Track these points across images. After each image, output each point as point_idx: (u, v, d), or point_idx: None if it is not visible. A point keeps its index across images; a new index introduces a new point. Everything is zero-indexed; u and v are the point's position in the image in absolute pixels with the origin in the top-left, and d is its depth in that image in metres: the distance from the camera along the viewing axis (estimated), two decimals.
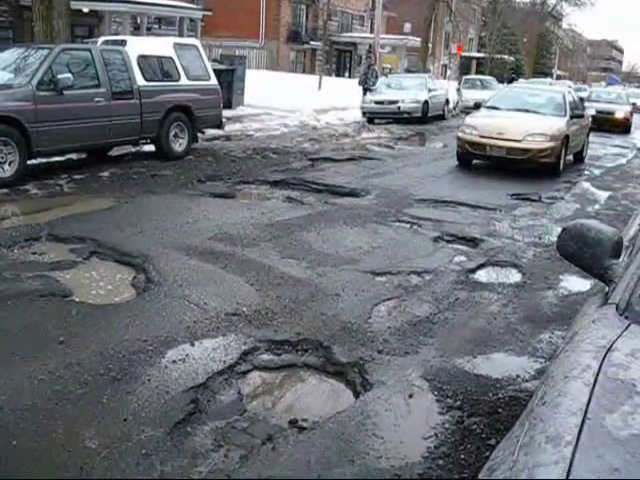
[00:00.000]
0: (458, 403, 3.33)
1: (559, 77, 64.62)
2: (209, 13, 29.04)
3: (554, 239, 5.75)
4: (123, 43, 10.15)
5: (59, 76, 8.19)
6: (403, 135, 16.31)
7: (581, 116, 12.15)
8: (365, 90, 20.61)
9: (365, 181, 9.30)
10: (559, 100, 11.86)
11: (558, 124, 10.96)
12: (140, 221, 6.42)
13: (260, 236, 6.15)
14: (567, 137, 11.04)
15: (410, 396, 3.36)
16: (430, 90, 19.93)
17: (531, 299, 5.00)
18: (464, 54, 44.31)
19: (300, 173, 9.64)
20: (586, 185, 10.56)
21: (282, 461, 2.77)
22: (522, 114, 11.34)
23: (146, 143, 10.32)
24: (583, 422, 1.40)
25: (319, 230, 6.47)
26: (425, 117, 19.10)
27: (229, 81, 16.62)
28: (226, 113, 13.05)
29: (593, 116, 15.86)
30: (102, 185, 8.18)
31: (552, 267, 5.75)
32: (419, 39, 34.84)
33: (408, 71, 32.65)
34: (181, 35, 24.98)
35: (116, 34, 20.62)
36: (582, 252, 2.21)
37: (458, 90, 24.67)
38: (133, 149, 10.57)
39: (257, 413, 3.18)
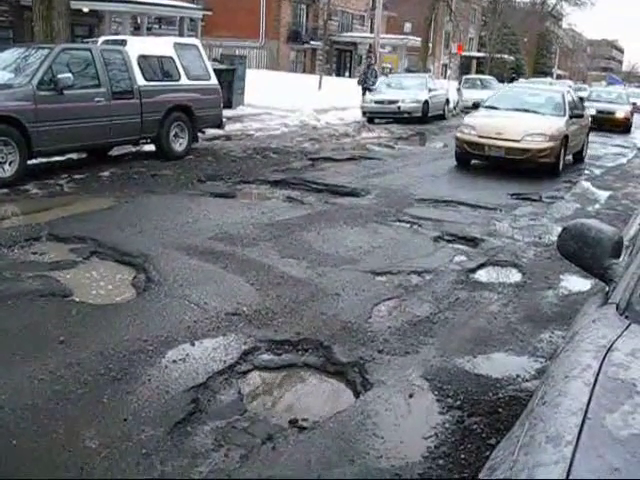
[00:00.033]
0: (458, 403, 3.33)
1: (559, 77, 64.67)
2: (209, 13, 29.05)
3: (554, 239, 5.73)
4: (123, 43, 10.15)
5: (59, 76, 8.19)
6: (403, 135, 16.31)
7: (580, 116, 12.11)
8: (364, 90, 20.60)
9: (365, 181, 9.30)
10: (558, 100, 11.83)
11: (557, 124, 10.93)
12: (140, 221, 6.42)
13: (260, 236, 6.15)
14: (566, 137, 11.01)
15: (410, 396, 3.36)
16: (430, 90, 19.93)
17: (531, 299, 4.99)
18: (464, 54, 44.39)
19: (300, 173, 9.64)
20: (586, 185, 10.56)
21: (282, 461, 2.77)
22: (521, 114, 11.30)
23: (146, 143, 10.32)
24: (583, 422, 1.40)
25: (319, 230, 6.47)
26: (425, 117, 19.10)
27: (229, 81, 16.61)
28: (226, 113, 13.05)
29: (593, 116, 15.85)
30: (102, 185, 8.18)
31: (552, 267, 5.75)
32: (419, 39, 34.84)
33: (408, 71, 32.71)
34: (181, 35, 24.98)
35: (116, 34, 20.64)
36: (582, 252, 2.20)
37: (458, 90, 24.67)
38: (133, 149, 10.58)
39: (257, 413, 3.18)
